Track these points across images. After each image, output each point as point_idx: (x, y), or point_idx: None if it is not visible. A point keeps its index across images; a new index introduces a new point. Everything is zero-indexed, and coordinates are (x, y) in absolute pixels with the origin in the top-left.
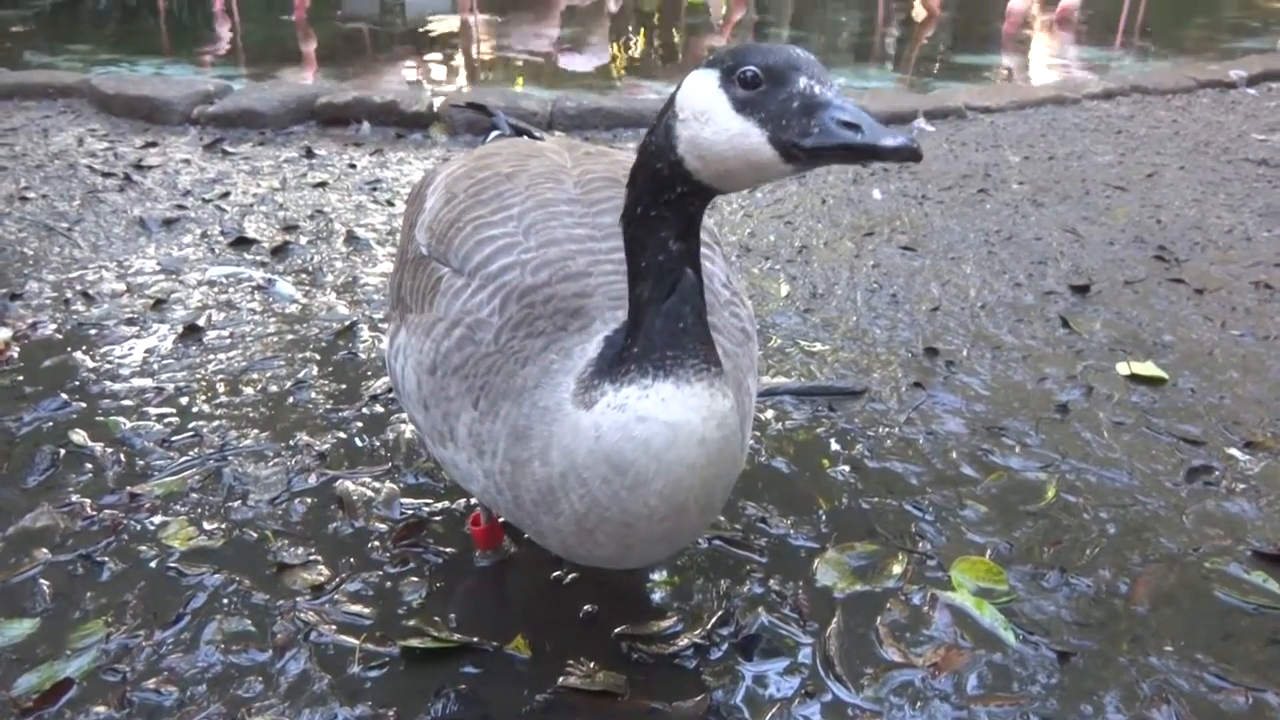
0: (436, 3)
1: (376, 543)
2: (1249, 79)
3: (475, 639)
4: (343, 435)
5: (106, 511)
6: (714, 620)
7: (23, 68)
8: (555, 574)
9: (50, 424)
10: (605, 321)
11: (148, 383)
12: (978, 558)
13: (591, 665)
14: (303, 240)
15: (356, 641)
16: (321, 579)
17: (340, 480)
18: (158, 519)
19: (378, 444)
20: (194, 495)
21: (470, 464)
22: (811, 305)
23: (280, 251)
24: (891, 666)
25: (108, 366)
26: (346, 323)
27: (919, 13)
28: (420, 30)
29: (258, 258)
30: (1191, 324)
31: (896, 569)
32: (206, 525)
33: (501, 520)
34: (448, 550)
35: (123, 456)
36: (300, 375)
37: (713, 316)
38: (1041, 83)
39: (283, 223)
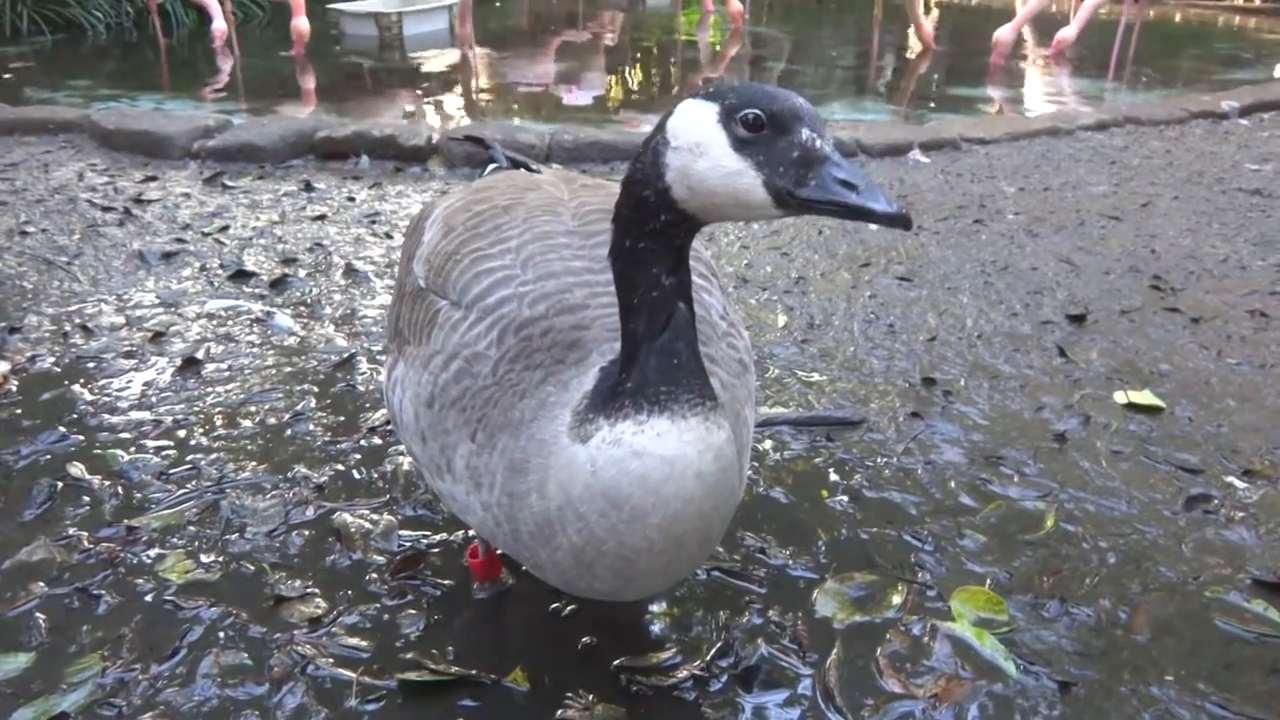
0: (435, 36)
1: (374, 575)
2: (1241, 109)
3: (473, 671)
4: (341, 467)
5: (104, 544)
6: (713, 652)
7: (24, 103)
8: (554, 606)
9: (48, 457)
10: (602, 354)
11: (146, 415)
12: (978, 588)
13: (590, 698)
14: (301, 273)
15: (354, 674)
16: (319, 611)
17: (338, 512)
18: (155, 552)
19: (376, 476)
20: (191, 528)
21: (468, 496)
22: (809, 336)
23: (279, 284)
24: (892, 698)
25: (106, 399)
26: (345, 355)
27: (914, 45)
28: (418, 65)
29: (256, 290)
30: (1188, 353)
31: (896, 599)
32: (204, 558)
33: (500, 552)
34: (446, 582)
35: (120, 489)
36: (298, 408)
37: (710, 348)
38: (1036, 114)
39: (281, 256)
